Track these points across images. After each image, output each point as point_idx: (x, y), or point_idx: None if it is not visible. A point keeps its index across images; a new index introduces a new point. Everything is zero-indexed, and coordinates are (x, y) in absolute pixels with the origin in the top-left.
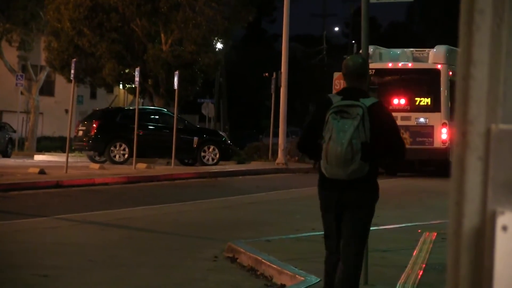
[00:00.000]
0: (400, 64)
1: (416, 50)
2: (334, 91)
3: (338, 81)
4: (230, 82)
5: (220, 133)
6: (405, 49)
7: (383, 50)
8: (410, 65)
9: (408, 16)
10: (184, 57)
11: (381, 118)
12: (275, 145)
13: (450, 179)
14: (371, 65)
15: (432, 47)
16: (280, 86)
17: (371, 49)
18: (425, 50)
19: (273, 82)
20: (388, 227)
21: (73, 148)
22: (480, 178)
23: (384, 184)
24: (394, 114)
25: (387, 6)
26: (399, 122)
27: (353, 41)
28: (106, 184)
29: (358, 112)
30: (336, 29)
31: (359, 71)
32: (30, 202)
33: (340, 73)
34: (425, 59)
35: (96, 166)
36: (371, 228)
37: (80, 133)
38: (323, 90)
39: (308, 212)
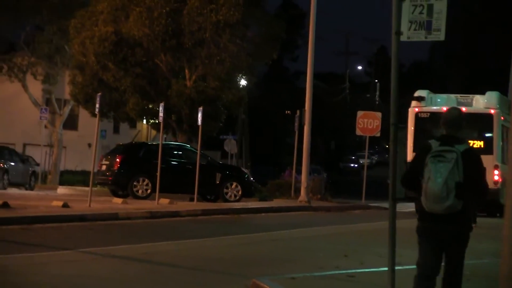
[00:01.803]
0: None
1: (460, 96)
2: (357, 130)
3: (362, 120)
4: (253, 119)
5: (243, 169)
6: (450, 95)
7: (432, 95)
8: (464, 109)
9: (431, 55)
10: (208, 93)
11: (471, 162)
12: (298, 182)
13: (503, 219)
14: (427, 109)
15: (456, 87)
16: (304, 124)
17: (424, 93)
18: (468, 96)
19: (296, 119)
20: (413, 267)
21: (96, 182)
22: None
23: (409, 223)
24: None
25: (410, 45)
26: None
27: (376, 80)
28: (129, 218)
29: (452, 156)
30: (359, 67)
31: (454, 121)
32: (53, 235)
33: (364, 112)
34: (469, 104)
35: (119, 200)
36: (397, 268)
37: (103, 167)
38: (345, 128)
39: (331, 250)
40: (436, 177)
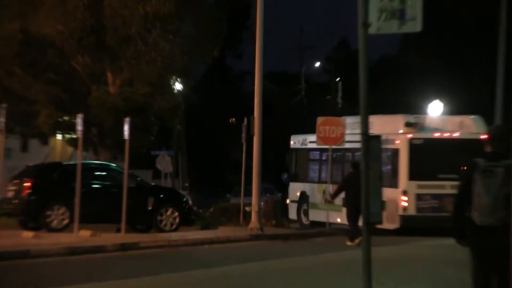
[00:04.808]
0: (445, 134)
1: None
2: (317, 140)
3: (323, 128)
4: (191, 131)
5: (180, 192)
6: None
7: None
8: (455, 135)
9: (401, 48)
10: (136, 101)
11: None
12: (247, 206)
13: None
14: (420, 135)
15: (426, 81)
16: (253, 134)
17: (414, 119)
18: (419, 116)
19: (244, 130)
20: None
21: (1, 212)
22: None
23: (384, 251)
24: (443, 182)
25: (377, 39)
26: (448, 191)
27: (337, 79)
28: (44, 256)
29: (500, 171)
30: (317, 64)
31: (501, 138)
32: None
33: (325, 117)
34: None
35: (30, 234)
36: None
37: (10, 194)
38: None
39: None
40: (486, 191)
